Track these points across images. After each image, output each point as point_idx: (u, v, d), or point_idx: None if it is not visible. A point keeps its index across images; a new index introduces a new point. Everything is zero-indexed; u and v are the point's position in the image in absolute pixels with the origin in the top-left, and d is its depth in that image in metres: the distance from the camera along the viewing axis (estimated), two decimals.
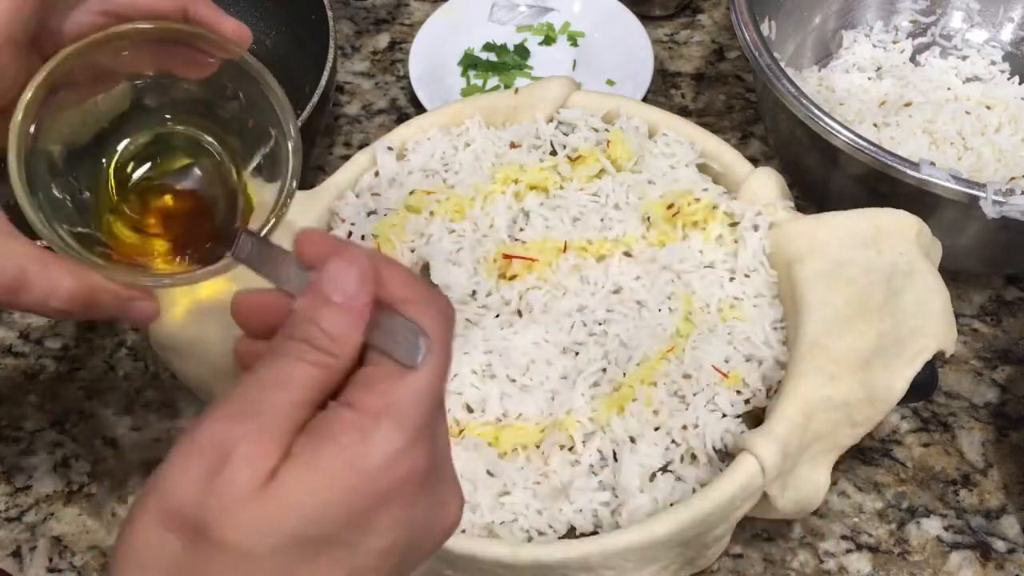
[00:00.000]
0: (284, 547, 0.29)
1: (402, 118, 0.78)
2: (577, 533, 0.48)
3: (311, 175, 0.75)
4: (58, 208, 0.39)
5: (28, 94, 0.37)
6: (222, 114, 0.42)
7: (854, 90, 0.73)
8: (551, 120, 0.61)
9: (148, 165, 0.42)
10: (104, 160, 0.41)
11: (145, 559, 0.29)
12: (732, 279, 0.55)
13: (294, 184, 0.40)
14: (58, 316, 0.40)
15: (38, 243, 0.38)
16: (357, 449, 0.30)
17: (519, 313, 0.54)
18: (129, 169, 0.41)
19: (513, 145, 0.60)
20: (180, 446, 0.30)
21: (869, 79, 0.74)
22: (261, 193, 0.41)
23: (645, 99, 0.76)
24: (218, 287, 0.50)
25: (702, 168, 0.60)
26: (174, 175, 0.42)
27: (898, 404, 0.49)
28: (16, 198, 0.37)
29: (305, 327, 0.32)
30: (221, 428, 0.30)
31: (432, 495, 0.32)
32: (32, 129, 0.37)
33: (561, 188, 0.58)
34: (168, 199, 0.42)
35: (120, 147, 0.41)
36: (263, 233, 0.39)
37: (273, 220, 0.40)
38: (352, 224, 0.57)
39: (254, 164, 0.42)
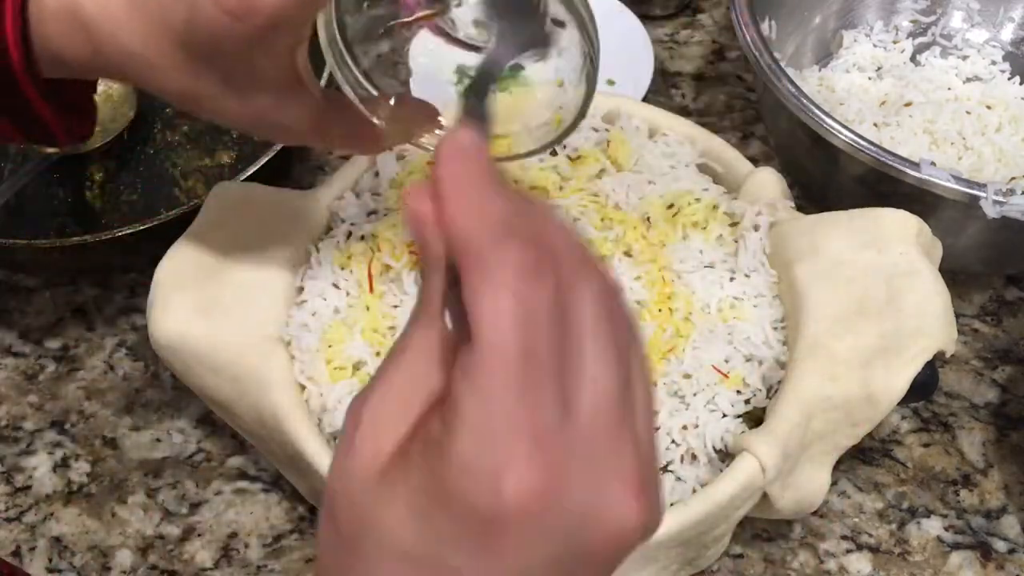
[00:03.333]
0: (399, 562, 0.27)
1: None
2: None
3: (311, 175, 0.75)
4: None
5: None
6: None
7: (854, 90, 0.73)
8: None
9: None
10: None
11: (323, 555, 0.29)
12: (732, 279, 0.55)
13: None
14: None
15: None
16: (437, 468, 0.25)
17: None
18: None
19: None
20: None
21: (869, 79, 0.74)
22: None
23: (645, 99, 0.76)
24: None
25: (702, 168, 0.60)
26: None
27: (898, 404, 0.49)
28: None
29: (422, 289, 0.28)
30: (356, 402, 0.28)
31: (563, 508, 0.25)
32: None
33: (561, 188, 0.58)
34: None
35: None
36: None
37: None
38: (352, 224, 0.57)
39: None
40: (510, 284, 0.25)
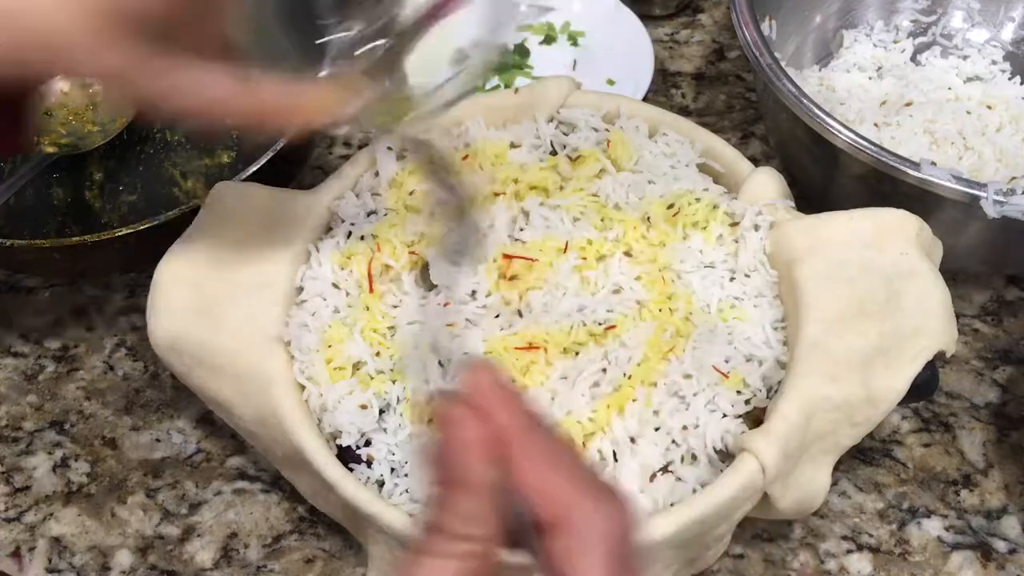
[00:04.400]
0: None
1: None
2: None
3: (311, 175, 0.75)
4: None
5: None
6: None
7: (855, 90, 0.73)
8: (551, 120, 0.61)
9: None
10: None
11: None
12: (732, 279, 0.55)
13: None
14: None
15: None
16: None
17: (519, 313, 0.54)
18: None
19: (513, 145, 0.60)
20: None
21: (870, 79, 0.74)
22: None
23: (645, 99, 0.76)
24: None
25: (703, 168, 0.60)
26: None
27: (899, 404, 0.49)
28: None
29: (440, 515, 0.31)
30: None
31: None
32: None
33: (561, 188, 0.58)
34: None
35: None
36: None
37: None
38: (352, 224, 0.57)
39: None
40: (605, 557, 0.30)
